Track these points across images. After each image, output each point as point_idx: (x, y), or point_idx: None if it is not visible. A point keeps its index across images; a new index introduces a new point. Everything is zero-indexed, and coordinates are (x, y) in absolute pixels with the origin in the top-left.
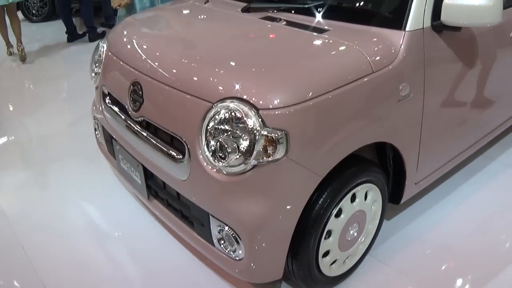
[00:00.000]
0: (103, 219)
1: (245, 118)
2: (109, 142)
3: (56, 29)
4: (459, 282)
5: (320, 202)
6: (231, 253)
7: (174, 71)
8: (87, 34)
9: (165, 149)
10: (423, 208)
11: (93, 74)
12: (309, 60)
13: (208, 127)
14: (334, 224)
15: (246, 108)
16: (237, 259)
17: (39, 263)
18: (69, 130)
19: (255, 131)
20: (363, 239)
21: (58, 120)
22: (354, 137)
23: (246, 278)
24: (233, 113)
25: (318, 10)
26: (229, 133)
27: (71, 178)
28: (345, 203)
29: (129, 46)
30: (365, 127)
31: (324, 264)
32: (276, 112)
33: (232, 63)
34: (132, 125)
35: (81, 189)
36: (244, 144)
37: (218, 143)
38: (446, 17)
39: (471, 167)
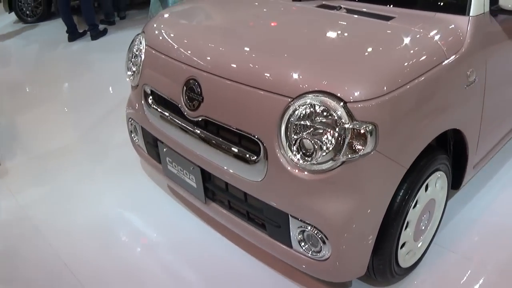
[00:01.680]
0: (147, 226)
1: (332, 112)
2: (152, 145)
3: (54, 29)
4: None
5: (401, 194)
6: (315, 254)
7: (242, 66)
8: (89, 32)
9: (233, 150)
10: (473, 191)
11: (129, 73)
12: (388, 49)
13: (289, 124)
14: (412, 215)
15: (333, 102)
16: (322, 259)
17: (85, 278)
18: (91, 136)
19: (343, 125)
20: (431, 227)
21: (77, 126)
22: (433, 125)
23: (330, 278)
24: (317, 108)
25: None
26: (314, 129)
27: (104, 186)
28: (421, 193)
29: (178, 41)
30: (441, 114)
31: (401, 256)
32: (364, 105)
33: (308, 56)
34: (187, 125)
35: (118, 197)
36: (332, 139)
37: (301, 140)
38: (504, 1)
39: (507, 149)
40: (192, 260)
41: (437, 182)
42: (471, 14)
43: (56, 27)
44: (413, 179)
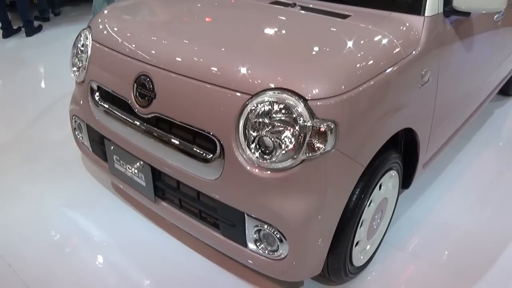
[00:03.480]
0: (91, 226)
1: (292, 110)
2: (98, 142)
3: None
4: (469, 259)
5: (357, 193)
6: (271, 253)
7: (198, 62)
8: (23, 28)
9: (187, 148)
10: (418, 192)
11: (74, 69)
12: (346, 48)
13: (248, 121)
14: (366, 213)
15: (293, 99)
16: (278, 259)
17: (30, 279)
18: (27, 134)
19: (304, 123)
20: (382, 225)
21: (13, 125)
22: (390, 124)
23: (285, 277)
24: (277, 105)
25: None
26: (273, 126)
27: (45, 186)
28: (375, 191)
29: (128, 35)
30: (398, 113)
31: (355, 255)
32: (324, 103)
33: (265, 52)
34: (138, 122)
35: (61, 196)
36: (292, 137)
37: (260, 138)
38: (458, 2)
39: (451, 148)
40: (139, 259)
41: (390, 181)
42: (426, 14)
43: None
44: (368, 178)
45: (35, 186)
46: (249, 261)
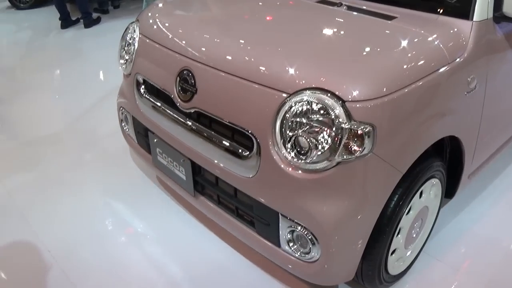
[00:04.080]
0: (134, 217)
1: (329, 111)
2: (142, 135)
3: (47, 16)
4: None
5: (395, 200)
6: (303, 255)
7: (239, 58)
8: (82, 20)
9: (225, 144)
10: (466, 201)
11: (122, 61)
12: (390, 50)
13: (284, 120)
14: (404, 221)
15: (331, 100)
16: (310, 261)
17: (68, 267)
18: (80, 124)
19: (341, 125)
20: (422, 234)
21: (67, 114)
22: (432, 131)
23: (317, 281)
24: (314, 105)
25: None
26: (310, 127)
27: (91, 175)
28: (415, 199)
29: (173, 30)
30: (441, 120)
31: (391, 263)
32: (363, 105)
33: (307, 52)
34: (179, 116)
35: (106, 187)
36: (328, 139)
37: (296, 138)
38: (508, 8)
39: (500, 160)
40: (178, 253)
41: (432, 190)
42: (474, 19)
43: (49, 14)
44: (408, 185)
45: (81, 176)
46: (281, 261)
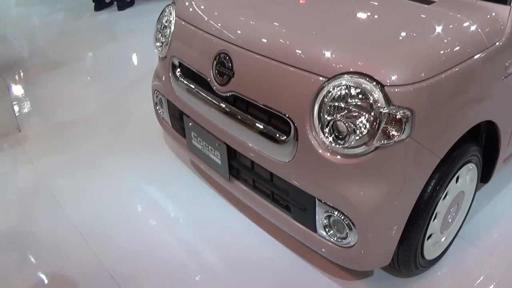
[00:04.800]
0: (167, 201)
1: (368, 95)
2: (177, 118)
3: None
4: None
5: (432, 185)
6: (340, 240)
7: (276, 42)
8: (116, 2)
9: (262, 128)
10: (500, 186)
11: (157, 44)
12: (428, 34)
13: (323, 105)
14: (441, 206)
15: (370, 84)
16: (346, 246)
17: (101, 250)
18: (113, 106)
19: (380, 109)
20: (458, 219)
21: (100, 96)
22: (469, 116)
23: (353, 266)
24: (353, 89)
25: None
26: (348, 111)
27: (124, 158)
28: (452, 184)
29: (210, 13)
30: (478, 105)
31: (427, 248)
32: (402, 89)
33: (344, 35)
34: (216, 100)
35: (139, 170)
36: (367, 123)
37: (334, 122)
38: None
39: None
40: (211, 237)
41: (468, 174)
42: None
43: None
44: (445, 170)
45: (115, 158)
46: (317, 246)
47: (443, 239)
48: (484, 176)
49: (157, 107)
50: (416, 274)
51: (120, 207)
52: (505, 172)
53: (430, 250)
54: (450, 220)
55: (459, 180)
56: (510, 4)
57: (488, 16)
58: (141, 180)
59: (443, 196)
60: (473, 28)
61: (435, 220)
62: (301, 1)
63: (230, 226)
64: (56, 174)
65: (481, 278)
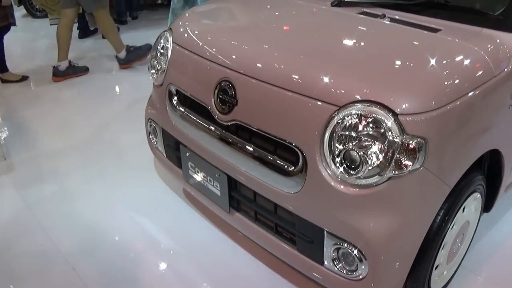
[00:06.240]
0: (160, 232)
1: (381, 124)
2: (173, 148)
3: None
4: None
5: (441, 215)
6: (349, 273)
7: (284, 69)
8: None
9: (268, 158)
10: (500, 214)
11: (153, 71)
12: (438, 62)
13: (334, 134)
14: (449, 236)
15: (383, 113)
16: (355, 279)
17: (93, 282)
18: (101, 135)
19: (393, 138)
20: (462, 249)
21: (87, 125)
22: (479, 144)
23: None
24: (365, 118)
25: (423, 7)
26: (360, 140)
27: (114, 188)
28: (459, 214)
29: (211, 39)
30: (486, 133)
31: (433, 278)
32: (415, 118)
33: (355, 63)
34: (217, 129)
35: (129, 200)
36: (380, 153)
37: (346, 152)
38: None
39: None
40: (206, 270)
41: (473, 204)
42: None
43: None
44: (454, 200)
45: (104, 188)
46: (325, 280)
47: (447, 270)
48: (486, 205)
49: (151, 137)
50: None
51: (111, 238)
52: (503, 200)
53: (436, 280)
54: (455, 251)
55: (465, 209)
56: None
57: (494, 44)
58: (131, 211)
59: (451, 226)
60: (481, 56)
61: (443, 251)
62: (305, 28)
63: (226, 258)
64: (43, 204)
65: None
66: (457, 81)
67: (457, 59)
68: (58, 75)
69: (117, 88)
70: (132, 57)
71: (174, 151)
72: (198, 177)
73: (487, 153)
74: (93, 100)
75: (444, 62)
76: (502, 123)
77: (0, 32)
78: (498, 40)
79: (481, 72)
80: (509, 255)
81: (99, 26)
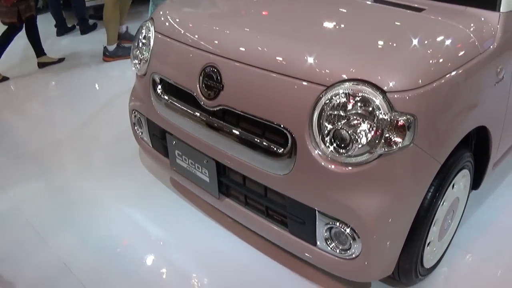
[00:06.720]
0: (149, 223)
1: (370, 102)
2: (158, 137)
3: (42, 23)
4: None
5: (432, 191)
6: (342, 252)
7: (270, 52)
8: (78, 26)
9: (256, 142)
10: (486, 193)
11: (135, 61)
12: (425, 41)
13: (323, 114)
14: (440, 213)
15: (371, 91)
16: (349, 258)
17: (86, 278)
18: (84, 131)
19: (382, 116)
20: (452, 226)
21: (68, 122)
22: (466, 121)
23: (355, 278)
24: (353, 97)
25: None
26: (349, 119)
27: (101, 182)
28: (449, 190)
29: (193, 26)
30: (473, 110)
31: (426, 255)
32: (403, 95)
33: (341, 43)
34: (203, 116)
35: (117, 193)
36: (370, 131)
37: (335, 132)
38: None
39: None
40: (199, 257)
41: (462, 181)
42: (501, 10)
43: (44, 22)
44: (443, 176)
45: (90, 183)
46: (318, 260)
47: (439, 247)
48: (475, 182)
49: (136, 128)
50: (415, 283)
51: (103, 232)
52: (492, 177)
53: (428, 258)
54: (446, 227)
55: (455, 186)
56: (499, 10)
57: (479, 22)
58: (120, 204)
59: (441, 202)
60: (467, 34)
61: (434, 227)
62: (290, 10)
63: (217, 245)
64: (31, 202)
65: (478, 284)
66: (443, 59)
67: (443, 37)
68: (110, 56)
69: (97, 83)
70: (120, 52)
71: (160, 141)
72: (186, 164)
73: (474, 131)
74: (74, 96)
75: (430, 40)
76: (489, 100)
77: (28, 23)
78: (482, 18)
79: (466, 49)
80: (498, 232)
81: (104, 13)
